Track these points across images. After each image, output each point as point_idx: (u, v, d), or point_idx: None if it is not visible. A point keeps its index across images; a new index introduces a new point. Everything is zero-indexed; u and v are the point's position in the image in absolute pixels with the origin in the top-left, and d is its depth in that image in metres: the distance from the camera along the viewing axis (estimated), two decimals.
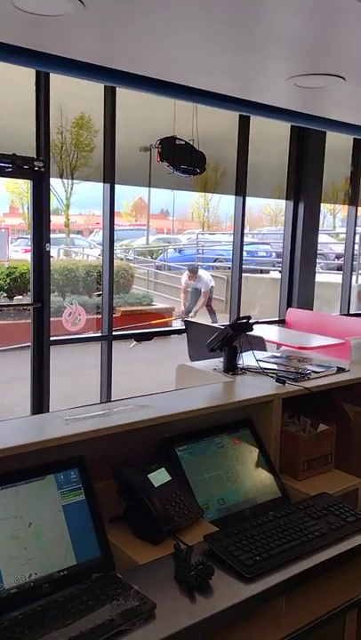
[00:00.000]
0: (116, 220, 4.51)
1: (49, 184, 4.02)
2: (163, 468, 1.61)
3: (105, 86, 4.11)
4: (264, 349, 3.75)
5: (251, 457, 1.88)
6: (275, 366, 2.27)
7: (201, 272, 9.67)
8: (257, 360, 2.20)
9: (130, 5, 2.47)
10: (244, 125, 5.00)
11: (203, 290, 9.34)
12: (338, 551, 1.47)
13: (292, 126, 5.34)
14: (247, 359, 2.25)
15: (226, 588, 1.30)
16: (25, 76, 3.79)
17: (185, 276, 9.52)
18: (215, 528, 1.56)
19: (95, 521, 1.49)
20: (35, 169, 3.91)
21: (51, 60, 3.22)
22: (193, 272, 9.48)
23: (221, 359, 2.22)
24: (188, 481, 1.70)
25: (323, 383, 2.07)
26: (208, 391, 1.99)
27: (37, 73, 3.80)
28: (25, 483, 1.44)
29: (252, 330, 2.14)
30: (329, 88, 3.56)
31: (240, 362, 2.22)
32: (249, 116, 4.91)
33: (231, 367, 2.17)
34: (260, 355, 2.42)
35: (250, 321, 2.14)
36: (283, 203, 5.72)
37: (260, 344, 3.99)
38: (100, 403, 1.87)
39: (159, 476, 1.58)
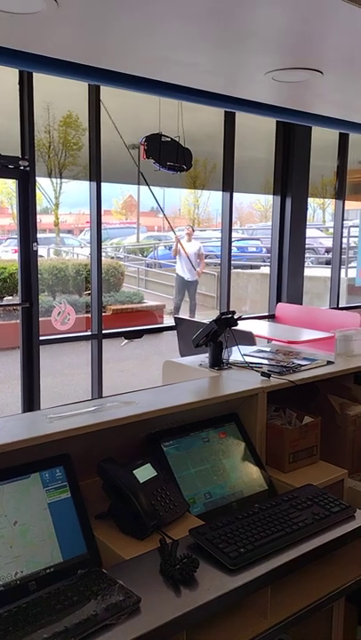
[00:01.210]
0: (107, 218, 4.53)
1: (35, 183, 4.02)
2: (148, 464, 1.62)
3: (89, 85, 4.11)
4: (253, 344, 3.76)
5: (237, 450, 1.89)
6: (261, 360, 2.28)
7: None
8: (242, 355, 2.21)
9: (104, 3, 2.46)
10: (229, 121, 5.01)
11: (201, 252, 9.38)
12: (322, 541, 1.48)
13: (278, 121, 5.35)
14: (234, 354, 2.26)
15: (211, 581, 1.31)
16: (8, 75, 3.78)
17: (182, 242, 9.36)
18: (201, 522, 1.57)
19: (81, 518, 1.50)
20: (20, 168, 3.91)
21: (32, 59, 3.21)
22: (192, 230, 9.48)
23: (207, 354, 2.23)
24: (175, 476, 1.71)
25: (308, 376, 2.08)
26: (193, 386, 2.00)
27: (20, 72, 3.79)
28: (9, 482, 1.44)
29: (236, 325, 2.14)
30: (309, 83, 3.57)
31: (227, 357, 2.23)
32: (234, 112, 4.92)
33: (217, 362, 2.17)
34: (247, 349, 2.43)
35: (235, 316, 2.15)
36: (272, 197, 5.73)
37: (249, 339, 4.01)
38: (85, 400, 1.87)
39: (145, 472, 1.59)
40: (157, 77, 3.68)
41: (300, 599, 1.51)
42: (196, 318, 5.10)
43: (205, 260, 11.90)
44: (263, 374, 2.04)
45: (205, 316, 9.18)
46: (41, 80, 3.82)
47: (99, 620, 1.15)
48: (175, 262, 9.86)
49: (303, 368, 2.17)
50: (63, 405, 1.75)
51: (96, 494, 1.59)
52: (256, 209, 19.14)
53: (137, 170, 4.82)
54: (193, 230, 9.65)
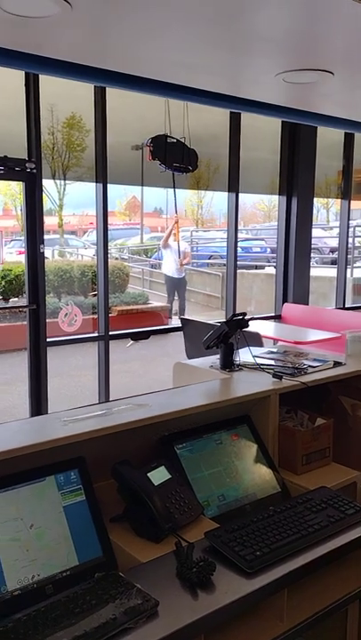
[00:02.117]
0: (110, 219, 4.52)
1: (41, 185, 4.02)
2: (162, 467, 1.62)
3: (95, 86, 4.11)
4: (260, 345, 3.76)
5: (249, 453, 1.89)
6: (271, 362, 2.28)
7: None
8: (253, 356, 2.20)
9: (117, 6, 2.47)
10: (235, 122, 5.01)
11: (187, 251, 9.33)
12: (338, 544, 1.48)
13: (283, 121, 5.35)
14: (244, 355, 2.26)
15: (228, 584, 1.31)
16: (14, 77, 3.78)
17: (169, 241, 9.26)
18: (216, 524, 1.57)
19: (96, 521, 1.50)
20: (27, 170, 3.91)
21: (39, 61, 3.21)
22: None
23: (218, 356, 2.23)
24: (188, 478, 1.71)
25: (319, 377, 2.08)
26: (205, 388, 2.00)
27: (26, 74, 3.79)
28: (25, 485, 1.44)
29: (247, 326, 2.14)
30: (318, 83, 3.57)
31: (237, 358, 2.23)
32: (240, 113, 4.91)
33: (228, 364, 2.17)
34: (257, 351, 2.43)
35: (245, 317, 2.15)
36: (276, 198, 5.73)
37: (256, 340, 4.00)
38: (99, 403, 1.87)
39: (159, 475, 1.59)
40: (165, 79, 3.68)
41: (316, 602, 1.51)
42: (202, 319, 5.09)
43: (210, 261, 11.90)
44: (275, 376, 2.03)
45: (210, 316, 9.19)
46: (44, 82, 3.82)
47: (118, 623, 1.15)
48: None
49: (314, 369, 2.16)
50: (76, 408, 1.75)
51: (110, 497, 1.59)
52: (260, 209, 19.13)
53: (141, 171, 4.83)
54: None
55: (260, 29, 2.76)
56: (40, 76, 3.79)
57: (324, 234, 12.70)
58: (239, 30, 2.77)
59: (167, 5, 2.47)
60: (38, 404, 4.17)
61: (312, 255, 6.18)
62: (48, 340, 4.15)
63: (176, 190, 4.93)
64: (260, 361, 2.23)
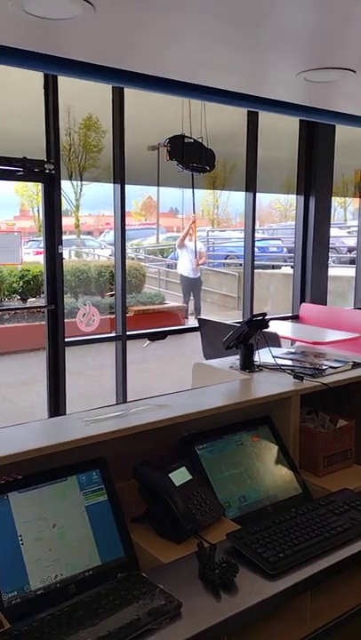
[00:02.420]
0: (126, 219, 4.53)
1: (60, 186, 4.05)
2: (183, 467, 1.61)
3: (113, 87, 4.12)
4: (279, 346, 3.74)
5: (270, 454, 1.88)
6: (291, 362, 2.26)
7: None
8: (274, 357, 2.19)
9: (140, 7, 2.47)
10: (252, 121, 4.99)
11: (202, 250, 9.32)
12: None
13: (301, 120, 5.32)
14: (263, 356, 2.25)
15: (251, 586, 1.30)
16: (33, 79, 3.81)
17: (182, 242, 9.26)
18: (237, 526, 1.56)
19: (118, 521, 1.50)
20: (45, 172, 3.94)
21: (59, 62, 3.23)
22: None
23: (237, 356, 2.22)
24: (209, 479, 1.70)
25: (341, 378, 2.06)
26: (226, 389, 1.99)
27: (45, 76, 3.82)
28: (48, 484, 1.45)
29: (267, 327, 2.13)
30: (339, 82, 3.54)
31: (256, 359, 2.22)
32: (257, 112, 4.89)
33: (248, 364, 2.16)
34: (275, 351, 2.41)
35: (265, 318, 2.14)
36: (292, 197, 5.69)
37: (274, 340, 3.98)
38: (119, 403, 1.88)
39: (180, 475, 1.59)
40: (185, 79, 3.67)
41: (340, 605, 1.49)
42: (220, 319, 5.08)
43: (226, 261, 11.87)
44: (296, 377, 2.02)
45: (226, 316, 9.17)
46: (62, 83, 3.84)
47: (142, 624, 1.15)
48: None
49: (335, 370, 2.15)
50: (97, 408, 1.75)
51: (131, 497, 1.59)
52: (276, 208, 19.05)
53: (157, 171, 4.83)
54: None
55: (283, 29, 2.74)
56: (58, 77, 3.82)
57: (342, 233, 12.60)
58: (262, 30, 2.76)
59: (190, 6, 2.46)
60: (56, 403, 4.20)
61: (329, 255, 6.13)
62: (66, 339, 4.18)
63: (191, 190, 4.93)
64: (279, 361, 2.22)
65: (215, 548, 1.42)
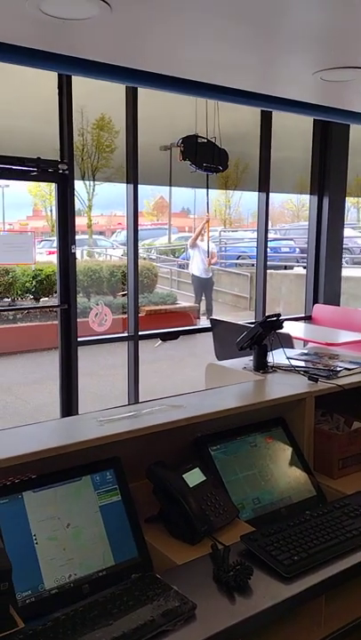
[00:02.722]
0: (139, 219, 4.53)
1: (73, 186, 4.06)
2: (197, 468, 1.61)
3: (127, 87, 4.13)
4: (291, 347, 3.73)
5: (284, 456, 1.86)
6: (305, 364, 2.25)
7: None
8: (288, 358, 2.18)
9: (155, 7, 2.47)
10: (266, 121, 4.97)
11: (213, 250, 9.31)
12: None
13: (314, 120, 5.29)
14: (277, 357, 2.24)
15: (265, 588, 1.30)
16: (47, 80, 3.83)
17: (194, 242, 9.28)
18: (251, 528, 1.56)
19: (132, 521, 1.50)
20: (59, 172, 3.95)
21: (74, 62, 3.23)
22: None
23: (250, 357, 2.21)
24: (223, 480, 1.70)
25: (356, 380, 2.04)
26: (240, 390, 1.98)
27: (59, 76, 3.83)
28: (62, 484, 1.45)
29: (281, 327, 2.12)
30: (356, 81, 3.51)
31: (270, 360, 2.21)
32: (271, 112, 4.87)
33: (261, 365, 2.15)
34: (289, 352, 2.40)
35: (279, 318, 2.13)
36: (305, 197, 5.66)
37: (287, 341, 3.96)
38: (133, 403, 1.88)
39: (194, 476, 1.58)
40: (200, 79, 3.67)
41: (355, 609, 1.48)
42: (232, 320, 5.07)
43: (238, 261, 11.85)
44: (310, 378, 2.01)
45: (238, 317, 9.16)
46: (75, 84, 3.85)
47: (156, 625, 1.15)
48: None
49: (350, 372, 2.13)
50: (111, 408, 1.75)
51: (144, 497, 1.59)
52: (288, 208, 18.98)
53: (169, 171, 4.83)
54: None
55: (298, 28, 2.72)
56: (72, 78, 3.83)
57: (355, 233, 12.52)
58: (276, 29, 2.74)
59: (204, 5, 2.45)
60: (69, 402, 4.21)
61: (343, 255, 6.10)
62: (79, 339, 4.19)
63: (203, 190, 4.92)
64: (293, 363, 2.21)
65: (229, 549, 1.41)
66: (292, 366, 2.14)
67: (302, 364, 2.25)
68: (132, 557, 1.46)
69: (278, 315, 2.13)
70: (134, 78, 3.54)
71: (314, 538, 1.46)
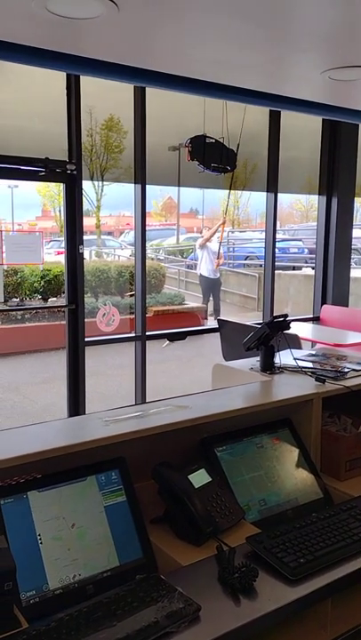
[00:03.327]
0: (147, 219, 4.53)
1: (81, 187, 4.06)
2: (203, 469, 1.60)
3: (135, 87, 4.13)
4: (299, 347, 3.71)
5: (291, 457, 1.85)
6: (312, 365, 2.24)
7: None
8: (295, 358, 2.17)
9: (162, 6, 2.46)
10: (274, 121, 4.95)
11: (220, 252, 9.32)
12: None
13: (323, 120, 5.26)
14: (284, 358, 2.23)
15: (271, 591, 1.29)
16: (55, 80, 3.84)
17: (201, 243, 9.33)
18: (257, 529, 1.55)
19: (137, 522, 1.49)
20: (67, 172, 3.96)
21: (82, 62, 3.24)
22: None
23: (257, 358, 2.20)
24: (229, 482, 1.69)
25: None
26: (246, 391, 1.97)
27: (68, 76, 3.84)
28: (67, 484, 1.45)
29: (289, 328, 2.11)
30: None
31: (277, 360, 2.19)
32: (280, 112, 4.85)
33: (268, 366, 2.14)
34: (296, 353, 2.39)
35: (287, 319, 2.12)
36: (314, 198, 5.64)
37: (295, 342, 3.95)
38: (139, 404, 1.88)
39: (199, 477, 1.58)
40: (208, 78, 3.66)
41: None
42: (240, 320, 5.05)
43: (246, 262, 11.83)
44: (318, 379, 1.99)
45: (246, 317, 9.13)
46: (84, 84, 3.86)
47: (160, 627, 1.14)
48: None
49: (358, 373, 2.11)
50: (117, 408, 1.75)
51: (150, 497, 1.58)
52: (297, 209, 18.93)
53: (178, 171, 4.82)
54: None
55: (306, 27, 2.71)
56: (80, 78, 3.83)
57: None
58: (284, 28, 2.73)
59: (212, 5, 2.45)
60: (76, 402, 4.21)
61: (352, 256, 6.06)
62: (86, 339, 4.19)
63: (211, 190, 4.91)
64: (300, 364, 2.19)
65: (235, 551, 1.40)
66: (300, 367, 2.12)
67: (310, 364, 2.24)
68: (136, 558, 1.45)
69: (285, 315, 2.12)
70: (143, 78, 3.54)
71: (320, 540, 1.44)
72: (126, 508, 1.50)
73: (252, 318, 8.61)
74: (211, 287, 9.55)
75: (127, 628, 1.14)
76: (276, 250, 5.54)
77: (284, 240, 13.10)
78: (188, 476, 1.56)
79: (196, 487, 1.54)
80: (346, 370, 2.15)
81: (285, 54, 3.18)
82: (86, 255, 11.58)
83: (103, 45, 3.09)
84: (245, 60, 3.30)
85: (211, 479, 1.59)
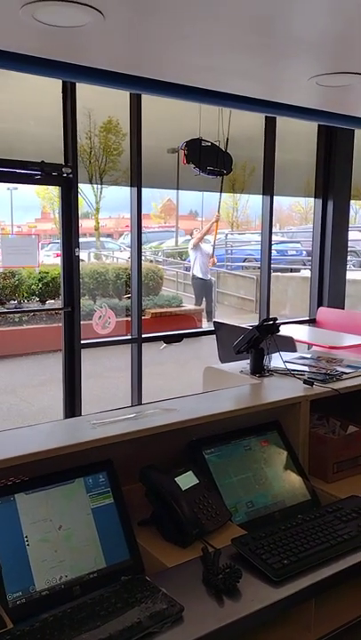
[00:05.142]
0: (146, 221, 4.57)
1: (77, 190, 4.08)
2: (190, 472, 1.62)
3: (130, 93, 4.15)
4: (294, 350, 3.72)
5: (279, 459, 1.87)
6: (303, 367, 2.25)
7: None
8: (284, 361, 2.18)
9: (150, 14, 2.48)
10: (270, 125, 4.98)
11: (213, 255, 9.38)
12: None
13: (319, 124, 5.28)
14: (275, 361, 2.24)
15: (254, 592, 1.30)
16: (51, 83, 3.86)
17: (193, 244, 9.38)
18: (244, 531, 1.56)
19: (124, 524, 1.51)
20: (63, 175, 3.98)
21: (75, 70, 3.26)
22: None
23: (248, 361, 2.22)
24: (216, 484, 1.70)
25: (351, 384, 2.04)
26: (235, 393, 1.99)
27: (64, 82, 3.86)
28: (55, 486, 1.46)
29: (278, 332, 2.12)
30: (353, 86, 3.51)
31: (268, 363, 2.21)
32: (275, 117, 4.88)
33: (258, 369, 2.16)
34: (288, 356, 2.40)
35: (276, 322, 2.13)
36: (313, 200, 5.66)
37: (289, 344, 3.97)
38: (127, 406, 1.89)
39: (186, 480, 1.59)
40: (199, 85, 3.68)
41: (346, 613, 1.48)
42: (235, 322, 5.07)
43: (245, 264, 11.85)
44: (306, 382, 2.01)
45: (243, 320, 9.15)
46: (82, 87, 3.88)
47: (143, 627, 1.16)
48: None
49: (347, 376, 2.13)
50: (106, 411, 1.76)
51: (138, 500, 1.60)
52: (296, 211, 18.93)
53: (176, 174, 4.85)
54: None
55: (294, 34, 2.73)
56: (76, 83, 3.85)
57: None
58: (273, 34, 2.75)
59: (200, 12, 2.46)
60: (72, 405, 4.23)
61: (349, 258, 6.08)
62: (82, 342, 4.21)
63: (211, 193, 4.94)
64: (291, 366, 2.21)
65: (220, 553, 1.42)
66: (289, 370, 2.14)
67: (301, 367, 2.26)
68: (123, 560, 1.46)
69: (275, 319, 2.13)
70: (136, 85, 3.56)
71: (305, 542, 1.46)
72: (113, 511, 1.52)
73: (250, 320, 8.62)
74: (204, 288, 9.57)
75: (110, 628, 1.16)
76: (275, 252, 5.57)
77: (282, 242, 13.12)
78: (176, 479, 1.57)
79: (183, 489, 1.55)
80: (335, 372, 2.16)
81: (274, 61, 3.19)
82: (85, 257, 11.63)
83: (95, 53, 3.12)
84: (236, 66, 3.31)
85: (198, 481, 1.61)
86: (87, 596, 1.27)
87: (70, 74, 3.35)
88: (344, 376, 2.12)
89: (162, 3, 2.35)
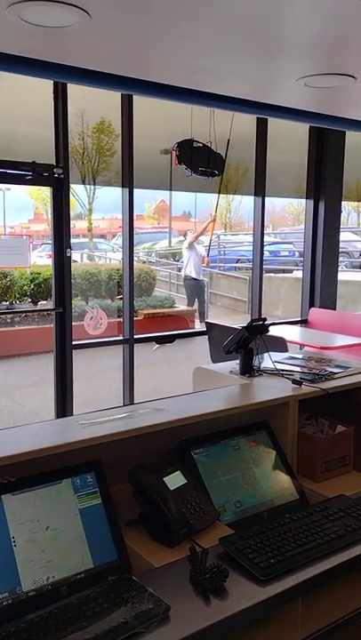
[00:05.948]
0: (139, 222, 4.57)
1: (68, 190, 4.08)
2: (178, 472, 1.62)
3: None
4: (285, 350, 3.73)
5: (268, 459, 1.87)
6: (292, 367, 2.26)
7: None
8: (273, 362, 2.19)
9: (137, 14, 2.48)
10: (262, 126, 4.99)
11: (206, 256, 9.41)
12: (355, 553, 1.46)
13: (310, 126, 5.30)
14: (266, 361, 2.25)
15: (241, 591, 1.30)
16: (43, 84, 3.85)
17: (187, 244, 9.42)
18: (232, 531, 1.56)
19: (112, 524, 1.51)
20: (54, 176, 3.97)
21: (65, 70, 3.25)
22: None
23: (239, 361, 2.22)
24: (205, 484, 1.71)
25: (340, 384, 2.05)
26: (224, 393, 1.99)
27: (55, 83, 3.86)
28: (42, 487, 1.46)
29: (267, 332, 2.13)
30: (341, 87, 3.53)
31: (259, 363, 2.22)
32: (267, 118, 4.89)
33: (247, 369, 2.16)
34: (278, 356, 2.41)
35: (266, 322, 2.14)
36: (305, 201, 5.68)
37: (280, 345, 3.98)
38: (118, 406, 1.89)
39: (175, 479, 1.59)
40: (189, 86, 3.68)
41: (332, 612, 1.48)
42: (227, 323, 5.08)
43: (238, 265, 11.87)
44: (294, 382, 2.02)
45: (236, 320, 9.16)
46: (74, 88, 3.88)
47: (129, 627, 1.16)
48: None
49: (336, 376, 2.14)
50: (95, 412, 1.76)
51: (127, 500, 1.60)
52: (289, 212, 18.99)
53: (169, 175, 4.85)
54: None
55: (283, 35, 2.74)
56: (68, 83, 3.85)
57: (355, 237, 12.52)
58: (263, 35, 2.76)
59: (190, 13, 2.47)
60: (64, 405, 4.22)
61: (342, 259, 6.11)
62: (74, 342, 4.20)
63: (204, 194, 4.94)
64: (281, 367, 2.22)
65: (207, 552, 1.42)
66: (278, 370, 2.15)
67: (290, 367, 2.26)
68: (111, 560, 1.46)
69: (264, 319, 2.14)
70: (126, 86, 3.56)
71: (292, 541, 1.47)
72: (101, 511, 1.51)
73: (242, 321, 8.62)
74: (196, 289, 9.58)
75: (96, 628, 1.16)
76: (268, 253, 5.58)
77: (275, 243, 13.15)
78: (164, 479, 1.58)
79: (171, 489, 1.56)
80: (324, 372, 2.17)
81: (263, 61, 3.20)
82: (77, 258, 11.60)
83: (84, 53, 3.11)
84: (226, 66, 3.30)
85: (186, 481, 1.61)
86: (73, 596, 1.26)
87: (60, 74, 3.34)
88: (333, 376, 2.13)
89: (147, 3, 2.36)
